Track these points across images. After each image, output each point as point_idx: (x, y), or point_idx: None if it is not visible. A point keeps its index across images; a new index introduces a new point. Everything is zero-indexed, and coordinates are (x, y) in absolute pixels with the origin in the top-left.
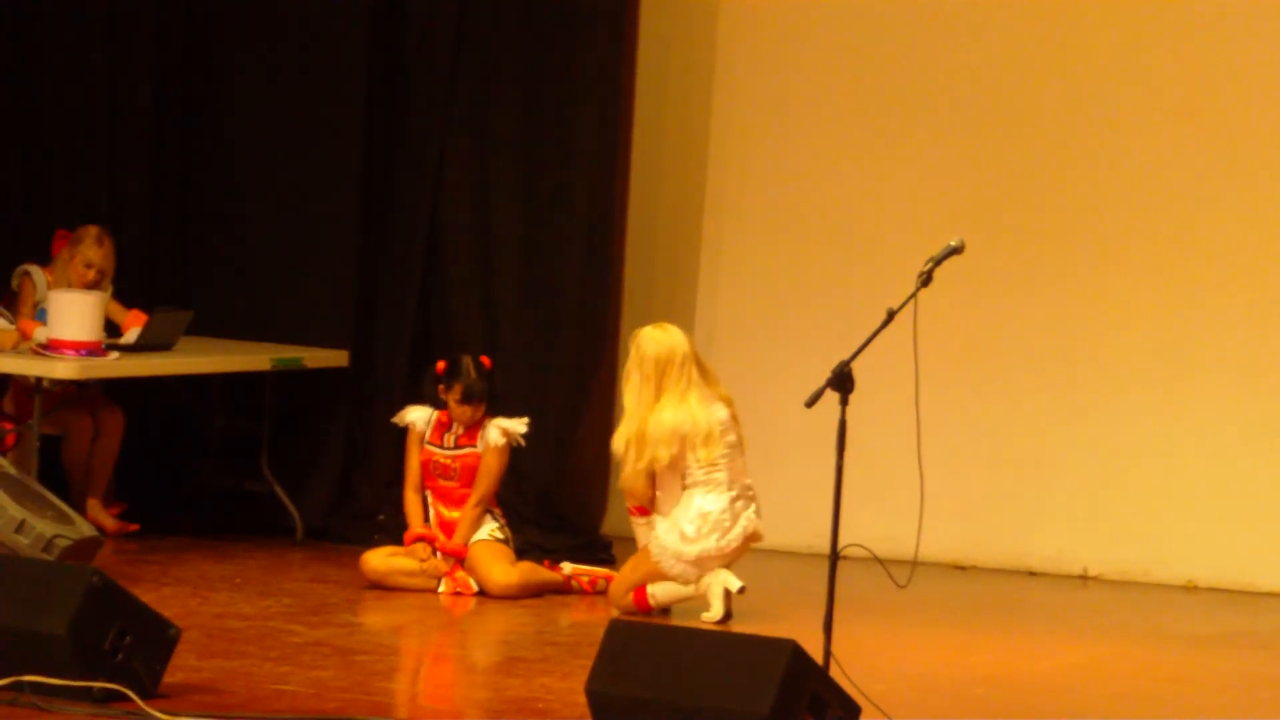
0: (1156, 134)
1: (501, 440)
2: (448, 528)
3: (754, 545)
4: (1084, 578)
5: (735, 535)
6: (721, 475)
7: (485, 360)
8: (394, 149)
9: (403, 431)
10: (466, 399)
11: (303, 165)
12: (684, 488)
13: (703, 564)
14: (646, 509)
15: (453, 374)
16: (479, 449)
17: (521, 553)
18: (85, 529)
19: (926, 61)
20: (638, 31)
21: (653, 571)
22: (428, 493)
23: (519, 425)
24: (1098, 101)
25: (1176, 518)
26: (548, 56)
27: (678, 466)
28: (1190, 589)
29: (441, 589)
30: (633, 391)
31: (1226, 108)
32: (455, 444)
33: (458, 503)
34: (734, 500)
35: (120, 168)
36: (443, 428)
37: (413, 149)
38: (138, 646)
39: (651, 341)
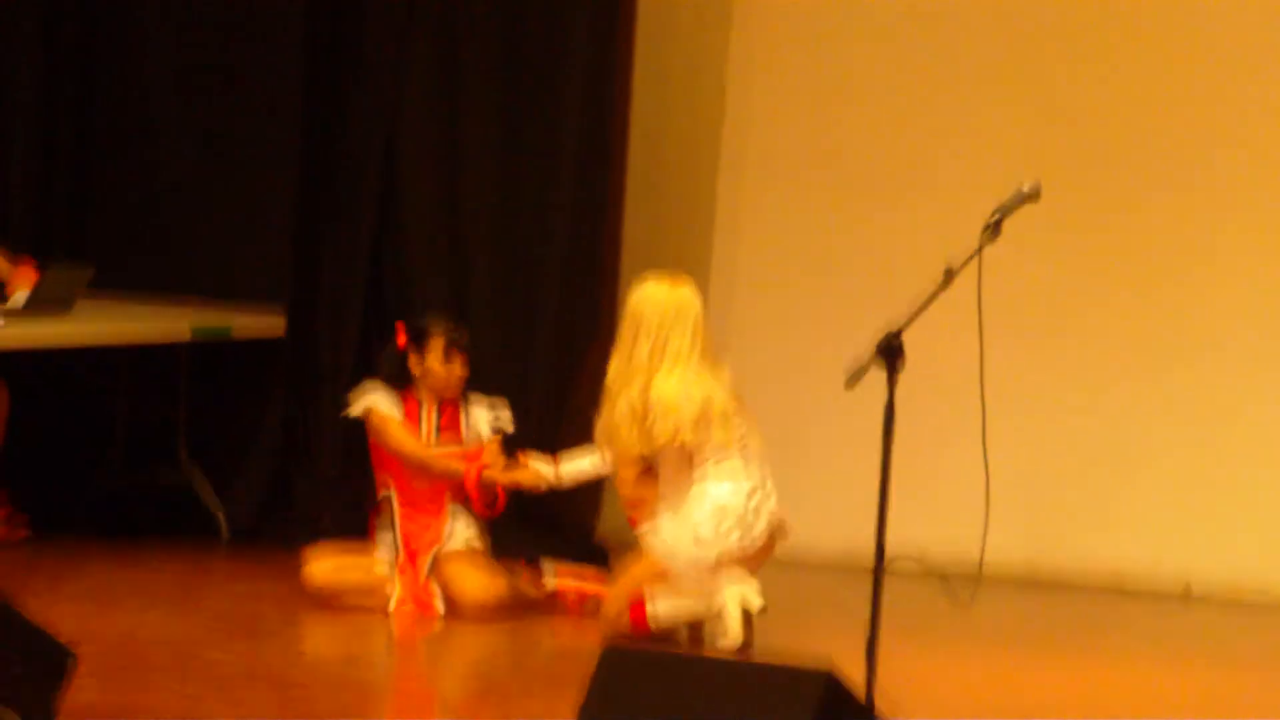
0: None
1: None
2: (414, 544)
3: (780, 543)
4: (1186, 596)
5: (760, 532)
6: (736, 463)
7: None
8: (342, 73)
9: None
10: (449, 352)
11: (229, 94)
12: (693, 480)
13: (722, 569)
14: (645, 516)
15: (423, 333)
16: (466, 443)
17: (502, 551)
18: None
19: None
20: None
21: (653, 584)
22: (392, 493)
23: (502, 408)
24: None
25: None
26: None
27: (688, 453)
28: None
29: (394, 607)
30: (623, 354)
31: None
32: (436, 436)
33: (429, 507)
34: (753, 492)
35: (1, 96)
36: (412, 420)
37: (365, 71)
38: (25, 676)
39: (655, 295)
